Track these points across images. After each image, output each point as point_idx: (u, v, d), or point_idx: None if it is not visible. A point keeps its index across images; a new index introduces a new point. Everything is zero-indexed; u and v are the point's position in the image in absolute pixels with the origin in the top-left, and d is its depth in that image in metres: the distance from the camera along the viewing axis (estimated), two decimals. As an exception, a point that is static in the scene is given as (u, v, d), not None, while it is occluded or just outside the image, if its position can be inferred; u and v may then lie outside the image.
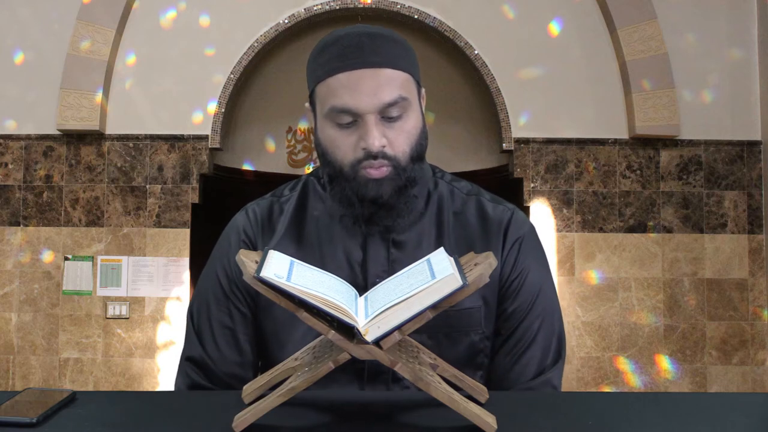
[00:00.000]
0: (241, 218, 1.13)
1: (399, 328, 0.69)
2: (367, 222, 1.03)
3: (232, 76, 3.97)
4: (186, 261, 3.89)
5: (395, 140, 1.00)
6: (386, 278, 0.92)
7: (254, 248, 1.09)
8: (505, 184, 4.05)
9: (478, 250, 1.04)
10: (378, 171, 0.99)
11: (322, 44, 1.03)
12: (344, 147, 1.00)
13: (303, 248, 1.07)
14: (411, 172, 1.02)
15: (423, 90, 1.08)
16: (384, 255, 1.06)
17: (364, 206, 1.01)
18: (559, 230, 3.91)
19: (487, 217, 1.10)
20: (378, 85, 0.97)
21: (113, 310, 3.86)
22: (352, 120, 0.99)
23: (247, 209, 1.14)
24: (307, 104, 1.08)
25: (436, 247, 1.03)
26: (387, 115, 0.99)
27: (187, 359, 1.10)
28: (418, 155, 1.03)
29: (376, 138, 0.97)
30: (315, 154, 4.73)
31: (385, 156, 0.99)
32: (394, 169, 1.00)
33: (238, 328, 1.08)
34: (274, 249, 1.04)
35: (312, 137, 5.06)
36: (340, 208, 1.04)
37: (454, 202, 1.11)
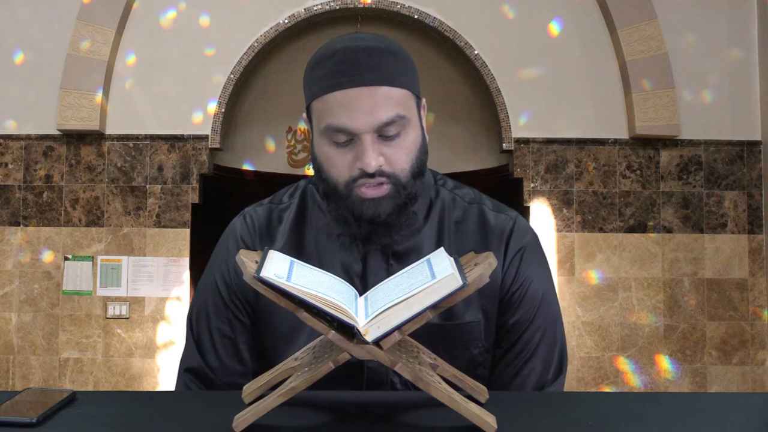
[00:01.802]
0: (239, 224, 1.12)
1: (399, 328, 0.69)
2: (365, 241, 1.01)
3: (232, 76, 3.97)
4: (186, 261, 3.89)
5: (394, 158, 0.97)
6: None
7: None
8: (505, 184, 4.05)
9: None
10: (376, 190, 0.97)
11: (317, 57, 1.01)
12: (340, 165, 0.98)
13: (302, 260, 1.05)
14: (411, 188, 0.99)
15: (423, 100, 1.06)
16: (384, 267, 1.04)
17: (362, 225, 0.99)
18: (559, 230, 3.91)
19: (489, 227, 1.08)
20: (374, 104, 0.95)
21: (113, 310, 3.86)
22: (348, 139, 0.96)
23: (245, 215, 1.13)
24: (304, 115, 1.06)
25: None
26: (384, 133, 0.96)
27: (186, 370, 1.08)
28: (418, 171, 1.00)
29: (372, 158, 0.95)
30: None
31: (382, 174, 0.97)
32: (393, 186, 0.98)
33: (239, 337, 1.07)
34: None
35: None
36: (337, 227, 1.02)
37: (456, 210, 1.10)
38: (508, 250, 1.07)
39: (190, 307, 1.12)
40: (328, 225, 1.04)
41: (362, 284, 1.04)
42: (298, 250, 1.07)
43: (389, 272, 1.03)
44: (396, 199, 0.98)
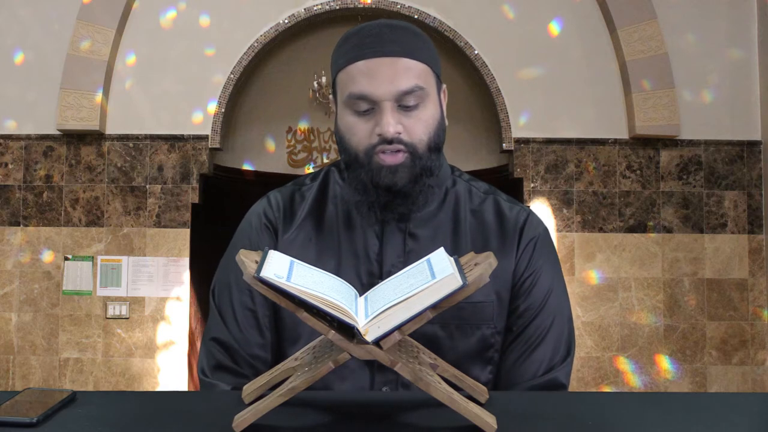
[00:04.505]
0: (263, 203, 1.15)
1: (399, 328, 0.69)
2: (383, 209, 1.05)
3: (232, 76, 3.97)
4: (186, 261, 3.89)
5: (412, 128, 1.02)
6: (402, 268, 0.92)
7: (275, 232, 1.11)
8: (505, 184, 4.05)
9: (494, 248, 1.07)
10: (393, 157, 1.01)
11: (345, 35, 1.07)
12: (360, 133, 1.03)
13: (321, 235, 1.09)
14: (427, 161, 1.03)
15: (444, 86, 1.11)
16: (400, 245, 1.07)
17: (380, 193, 1.03)
18: (559, 230, 3.91)
19: (504, 217, 1.12)
20: (395, 73, 1.00)
21: (113, 310, 3.86)
22: (370, 107, 1.01)
23: (269, 196, 1.16)
24: (330, 95, 1.11)
25: (452, 242, 1.06)
26: (404, 103, 1.01)
27: (212, 339, 1.10)
28: (435, 145, 1.05)
29: (391, 124, 0.99)
30: (315, 154, 4.73)
31: (400, 141, 1.01)
32: (410, 155, 1.02)
33: (259, 309, 1.09)
34: (294, 235, 1.08)
35: (312, 137, 5.07)
36: (355, 195, 1.05)
37: (472, 200, 1.14)
38: (522, 239, 1.11)
39: (213, 280, 1.15)
40: (347, 194, 1.08)
41: (379, 262, 1.07)
42: (317, 226, 1.11)
43: (406, 251, 1.07)
44: (412, 168, 1.02)
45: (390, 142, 1.00)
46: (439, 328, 1.03)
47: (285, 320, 1.09)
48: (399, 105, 1.01)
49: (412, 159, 1.02)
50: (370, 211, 1.05)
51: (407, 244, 1.07)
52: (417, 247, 1.06)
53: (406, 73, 1.00)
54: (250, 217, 1.15)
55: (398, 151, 1.01)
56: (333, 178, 1.15)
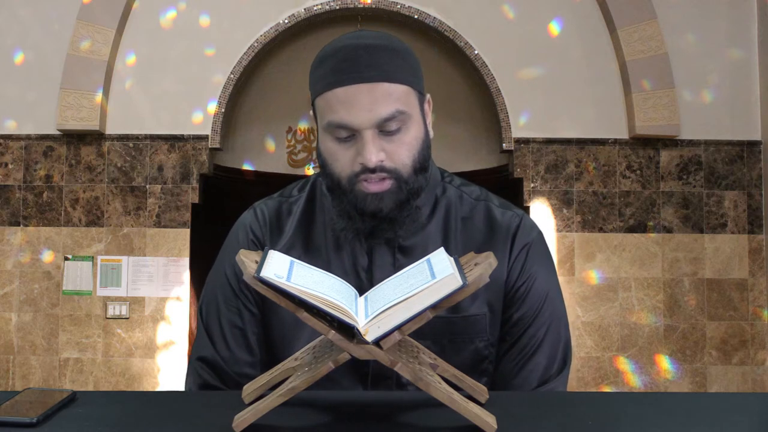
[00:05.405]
0: (249, 217, 1.13)
1: (399, 328, 0.69)
2: (369, 236, 1.02)
3: (232, 76, 3.97)
4: (186, 261, 3.89)
5: (395, 153, 0.99)
6: None
7: (262, 248, 1.08)
8: (505, 184, 4.05)
9: None
10: (378, 185, 0.98)
11: (321, 56, 1.02)
12: (342, 160, 0.99)
13: (310, 252, 1.07)
14: (414, 183, 1.00)
15: (428, 96, 1.07)
16: (390, 261, 1.05)
17: (365, 220, 1.00)
18: (559, 230, 3.91)
19: (495, 223, 1.09)
20: (374, 101, 0.96)
21: (113, 310, 3.86)
22: (350, 135, 0.98)
23: (255, 208, 1.13)
24: (310, 112, 1.08)
25: None
26: (385, 129, 0.97)
27: (198, 359, 1.09)
28: (420, 166, 1.01)
29: (373, 154, 0.96)
30: (315, 154, 4.73)
31: (383, 169, 0.98)
32: (395, 181, 0.99)
33: (248, 327, 1.08)
34: (282, 252, 1.04)
35: (312, 137, 5.05)
36: (340, 221, 1.03)
37: (463, 207, 1.11)
38: (514, 246, 1.08)
39: (201, 298, 1.13)
40: (332, 220, 1.05)
41: (368, 278, 1.04)
42: (306, 243, 1.08)
43: (396, 267, 1.04)
44: (398, 194, 0.99)
45: (373, 170, 0.97)
46: (431, 344, 1.00)
47: (275, 338, 1.07)
48: (380, 131, 0.97)
49: (398, 184, 0.99)
50: (356, 239, 1.03)
51: (397, 259, 1.05)
52: (407, 261, 1.03)
53: (386, 99, 0.96)
54: (236, 230, 1.13)
55: (383, 179, 0.98)
56: (320, 189, 1.11)
